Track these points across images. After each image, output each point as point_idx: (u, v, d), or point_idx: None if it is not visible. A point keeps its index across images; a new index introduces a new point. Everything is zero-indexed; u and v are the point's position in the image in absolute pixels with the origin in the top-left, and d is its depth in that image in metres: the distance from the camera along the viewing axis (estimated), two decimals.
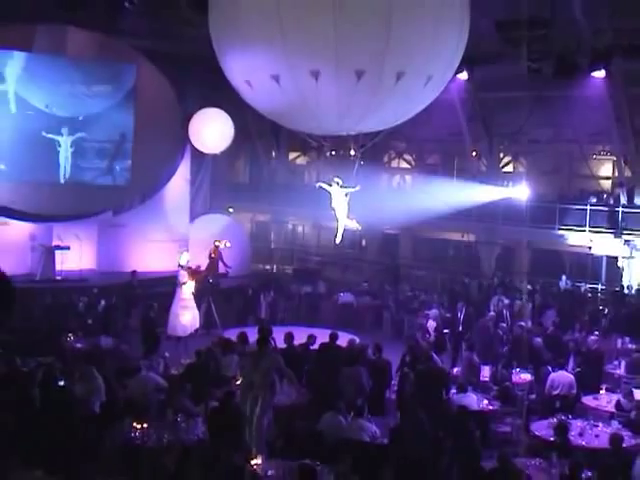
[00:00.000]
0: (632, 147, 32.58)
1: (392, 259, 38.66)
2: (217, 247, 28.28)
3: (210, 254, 28.09)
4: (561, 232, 32.55)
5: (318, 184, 20.90)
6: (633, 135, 32.38)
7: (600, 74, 27.97)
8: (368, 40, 14.95)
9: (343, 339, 20.04)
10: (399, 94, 16.28)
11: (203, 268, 25.79)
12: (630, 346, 23.01)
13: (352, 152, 19.03)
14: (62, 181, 29.87)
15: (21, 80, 28.92)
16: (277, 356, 15.31)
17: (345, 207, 20.57)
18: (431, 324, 24.26)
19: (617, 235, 31.66)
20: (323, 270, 36.83)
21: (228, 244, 28.77)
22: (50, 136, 29.53)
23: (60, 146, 29.79)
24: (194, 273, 24.22)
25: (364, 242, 42.13)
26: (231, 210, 39.98)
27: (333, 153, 21.72)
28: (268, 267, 39.98)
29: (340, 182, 20.22)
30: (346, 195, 20.36)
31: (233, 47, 16.46)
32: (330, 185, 20.42)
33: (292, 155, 45.96)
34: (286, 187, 43.03)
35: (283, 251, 42.70)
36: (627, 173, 33.59)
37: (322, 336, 19.35)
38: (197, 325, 24.24)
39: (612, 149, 34.32)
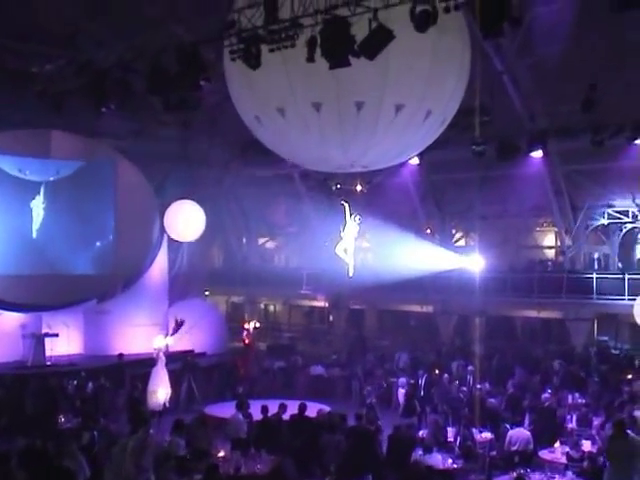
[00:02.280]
0: (571, 218, 33.06)
1: (358, 332, 38.71)
2: (248, 330, 28.96)
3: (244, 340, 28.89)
4: (512, 299, 32.80)
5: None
6: (571, 207, 32.89)
7: (538, 154, 28.41)
8: (367, 72, 14.63)
9: (314, 409, 20.05)
10: (399, 127, 16.06)
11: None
12: (580, 401, 23.09)
13: (359, 188, 19.12)
14: (48, 272, 29.71)
15: None
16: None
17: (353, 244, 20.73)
18: (401, 392, 24.32)
19: (562, 299, 31.97)
20: (295, 345, 36.81)
21: (258, 324, 29.59)
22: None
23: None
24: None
25: (331, 317, 42.19)
26: (207, 293, 40.04)
27: (339, 186, 21.88)
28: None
29: (358, 219, 20.32)
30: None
31: (241, 83, 16.40)
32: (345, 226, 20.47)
33: (261, 240, 46.20)
34: (258, 270, 43.24)
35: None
36: (568, 242, 33.97)
37: (294, 407, 19.35)
38: (168, 399, 24.17)
39: (553, 221, 34.77)
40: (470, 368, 26.03)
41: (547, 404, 20.85)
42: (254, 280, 41.20)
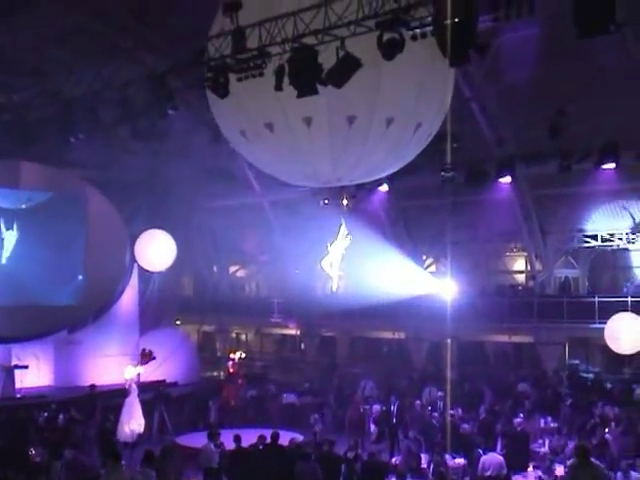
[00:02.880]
0: (540, 243, 33.29)
1: (330, 359, 38.68)
2: (234, 360, 28.95)
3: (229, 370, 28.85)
4: (483, 324, 32.89)
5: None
6: (541, 232, 33.12)
7: (506, 180, 28.59)
8: (359, 87, 14.53)
9: (287, 438, 19.97)
10: (390, 140, 16.02)
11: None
12: (552, 425, 23.17)
13: (345, 202, 19.14)
14: (18, 303, 29.48)
15: None
16: None
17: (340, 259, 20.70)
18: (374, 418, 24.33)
19: (533, 324, 32.15)
20: (267, 373, 36.70)
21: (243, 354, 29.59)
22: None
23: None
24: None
25: (303, 345, 42.15)
26: (178, 323, 39.91)
27: (327, 202, 21.84)
28: (215, 374, 39.67)
29: (346, 234, 20.36)
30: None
31: (229, 99, 16.10)
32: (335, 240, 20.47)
33: (232, 268, 46.14)
34: (229, 298, 43.21)
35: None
36: (538, 267, 34.20)
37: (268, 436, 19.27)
38: (141, 431, 23.95)
39: (523, 246, 35.00)
40: (442, 394, 26.03)
41: (519, 429, 20.89)
42: (225, 309, 41.17)
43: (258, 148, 16.97)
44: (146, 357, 24.93)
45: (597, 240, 32.50)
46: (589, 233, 32.68)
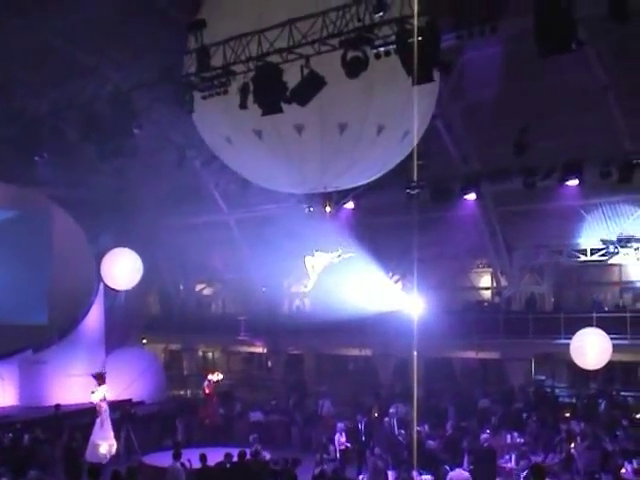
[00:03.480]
0: (506, 259, 33.50)
1: (297, 377, 38.63)
2: (210, 380, 28.86)
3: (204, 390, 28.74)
4: (450, 341, 32.96)
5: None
6: (506, 248, 33.34)
7: (471, 196, 28.78)
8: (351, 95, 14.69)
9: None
10: (379, 147, 16.18)
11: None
12: (519, 440, 23.24)
13: (328, 209, 19.15)
14: None
15: None
16: None
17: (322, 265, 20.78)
18: (339, 437, 24.27)
19: (499, 340, 32.30)
20: (234, 391, 36.58)
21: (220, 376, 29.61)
22: None
23: None
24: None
25: (270, 363, 42.08)
26: (145, 341, 39.74)
27: (312, 209, 21.84)
28: (182, 392, 39.57)
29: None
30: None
31: (216, 105, 16.10)
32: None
33: (199, 286, 46.04)
34: (195, 316, 43.13)
35: (196, 377, 42.32)
36: (504, 283, 34.40)
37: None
38: (114, 452, 23.77)
39: (489, 262, 35.19)
40: (408, 411, 26.05)
41: (486, 445, 20.93)
42: (192, 327, 41.03)
43: (245, 155, 16.96)
44: (100, 378, 24.63)
45: (562, 255, 32.76)
46: (554, 249, 32.94)
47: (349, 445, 24.14)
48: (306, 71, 13.81)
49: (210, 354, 46.23)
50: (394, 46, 13.28)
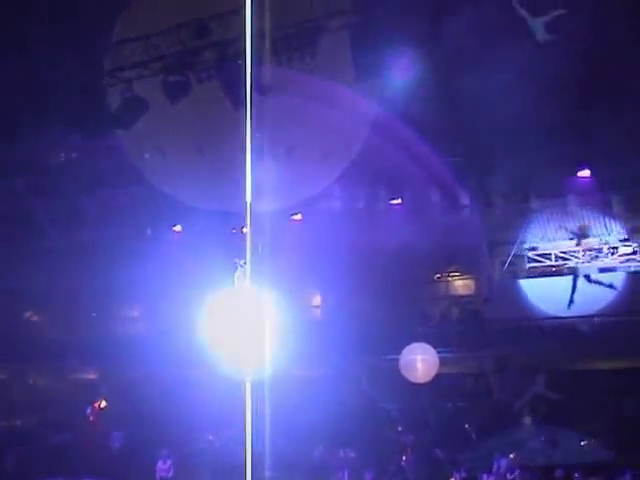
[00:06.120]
0: None
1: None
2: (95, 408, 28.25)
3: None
4: None
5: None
6: None
7: None
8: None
9: None
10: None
11: None
12: (351, 455, 23.46)
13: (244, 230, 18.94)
14: None
15: None
16: None
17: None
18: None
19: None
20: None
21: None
22: None
23: None
24: None
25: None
26: None
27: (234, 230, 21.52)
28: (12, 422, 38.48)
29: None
30: None
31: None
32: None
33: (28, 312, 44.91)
34: (24, 343, 42.09)
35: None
36: None
37: None
38: None
39: None
40: None
41: None
42: (20, 354, 39.91)
43: (178, 169, 16.78)
44: None
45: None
46: None
47: None
48: (127, 95, 13.87)
49: (40, 381, 44.99)
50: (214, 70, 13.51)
